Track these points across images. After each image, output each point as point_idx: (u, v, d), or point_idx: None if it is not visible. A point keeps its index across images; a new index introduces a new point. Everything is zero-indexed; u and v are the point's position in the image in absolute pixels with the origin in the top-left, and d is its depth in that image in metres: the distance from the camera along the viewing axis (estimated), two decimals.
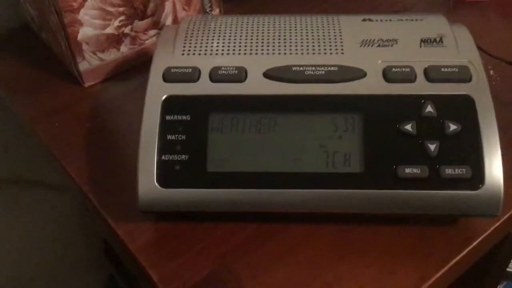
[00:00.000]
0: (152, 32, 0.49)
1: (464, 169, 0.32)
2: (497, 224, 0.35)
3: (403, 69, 0.35)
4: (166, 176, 0.33)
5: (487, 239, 0.35)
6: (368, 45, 0.37)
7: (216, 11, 0.51)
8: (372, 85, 0.35)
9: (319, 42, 0.37)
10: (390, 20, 0.39)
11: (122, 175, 0.39)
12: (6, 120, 0.59)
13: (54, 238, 0.75)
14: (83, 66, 0.47)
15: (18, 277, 0.75)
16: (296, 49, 0.37)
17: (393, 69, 0.35)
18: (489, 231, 0.35)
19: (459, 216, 0.35)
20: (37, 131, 0.45)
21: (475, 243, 0.34)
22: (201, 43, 0.38)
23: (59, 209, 0.73)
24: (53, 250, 0.76)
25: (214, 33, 0.38)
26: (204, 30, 0.39)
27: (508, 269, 0.72)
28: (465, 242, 0.34)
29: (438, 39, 0.37)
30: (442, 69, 0.35)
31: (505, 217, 0.35)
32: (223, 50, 0.37)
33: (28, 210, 0.70)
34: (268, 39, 0.37)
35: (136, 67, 0.49)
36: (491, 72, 0.46)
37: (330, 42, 0.37)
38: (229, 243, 0.35)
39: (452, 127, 0.33)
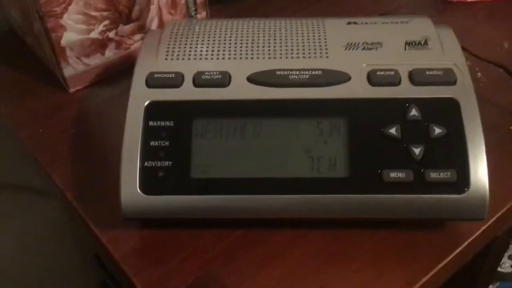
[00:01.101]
0: (138, 36, 0.48)
1: (449, 173, 0.32)
2: (484, 227, 0.35)
3: (388, 73, 0.35)
4: (149, 183, 0.33)
5: (474, 242, 0.35)
6: (353, 49, 0.36)
7: (203, 14, 0.51)
8: (357, 89, 0.34)
9: (303, 46, 0.37)
10: (375, 23, 0.39)
11: (106, 182, 0.39)
12: None
13: (44, 243, 0.74)
14: (67, 71, 0.46)
15: (7, 284, 0.74)
16: (281, 53, 0.37)
17: (378, 73, 0.35)
18: (476, 234, 0.35)
19: (445, 220, 0.35)
20: (21, 137, 0.44)
21: (462, 247, 0.34)
22: (185, 47, 0.37)
23: (49, 215, 0.72)
24: (43, 256, 0.75)
25: (198, 37, 0.38)
26: (188, 35, 0.38)
27: (499, 270, 0.72)
28: (452, 246, 0.34)
29: (423, 42, 0.37)
30: (427, 72, 0.34)
31: (492, 220, 0.35)
32: (207, 54, 0.37)
33: (16, 215, 0.70)
34: (253, 43, 0.37)
35: (122, 72, 0.49)
36: (478, 74, 0.46)
37: (314, 45, 0.37)
38: (214, 249, 0.35)
39: (437, 130, 0.33)
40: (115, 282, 0.81)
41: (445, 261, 0.34)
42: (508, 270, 0.75)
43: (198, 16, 0.46)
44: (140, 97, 0.35)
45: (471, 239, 0.35)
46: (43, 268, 0.76)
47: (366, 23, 0.39)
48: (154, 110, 0.34)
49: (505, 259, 0.74)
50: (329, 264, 0.34)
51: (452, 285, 0.43)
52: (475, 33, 0.52)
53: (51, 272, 0.77)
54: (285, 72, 0.35)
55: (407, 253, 0.34)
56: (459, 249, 0.34)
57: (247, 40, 0.37)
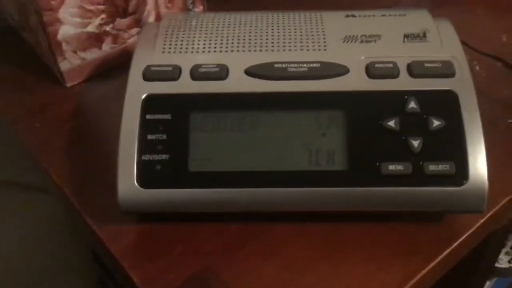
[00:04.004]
0: (135, 30, 0.48)
1: (448, 165, 0.32)
2: (483, 220, 0.35)
3: (386, 65, 0.34)
4: (147, 177, 0.33)
5: (473, 235, 0.35)
6: (351, 41, 0.36)
7: (200, 8, 0.51)
8: (355, 81, 0.34)
9: (301, 39, 0.37)
10: (373, 15, 0.39)
11: (103, 176, 0.39)
12: None
13: (41, 240, 0.74)
14: (64, 65, 0.46)
15: (4, 280, 0.74)
16: (278, 46, 0.36)
17: (376, 65, 0.35)
18: (475, 227, 0.35)
19: (444, 212, 0.35)
20: (17, 132, 0.44)
21: (461, 239, 0.34)
22: (182, 40, 0.37)
23: (44, 211, 0.72)
24: (40, 253, 0.75)
25: (195, 30, 0.38)
26: (185, 28, 0.38)
27: (497, 265, 0.72)
28: (450, 239, 0.34)
29: (421, 34, 0.36)
30: (425, 65, 0.34)
31: (490, 213, 0.35)
32: (204, 47, 0.37)
33: (13, 212, 0.69)
34: (250, 36, 0.37)
35: (119, 66, 0.48)
36: (477, 67, 0.46)
37: (312, 38, 0.37)
38: (212, 243, 0.34)
39: (436, 123, 0.33)
40: (112, 279, 0.81)
41: (444, 254, 0.34)
42: (506, 265, 0.75)
43: (196, 10, 0.46)
44: (137, 90, 0.35)
45: (469, 232, 0.35)
46: (40, 264, 0.76)
47: (364, 16, 0.39)
48: (151, 103, 0.34)
49: (502, 255, 0.74)
50: (328, 257, 0.34)
51: (449, 280, 0.43)
52: (473, 26, 0.51)
53: (48, 269, 0.77)
54: (284, 65, 0.35)
55: (405, 246, 0.34)
56: (458, 242, 0.34)
57: (245, 33, 0.37)
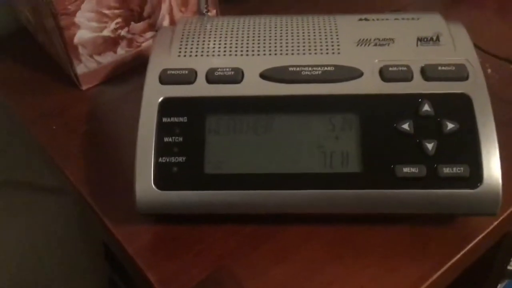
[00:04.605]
0: (149, 34, 0.49)
1: (462, 168, 0.32)
2: (496, 222, 0.35)
3: (400, 68, 0.35)
4: (164, 179, 0.33)
5: (486, 238, 0.35)
6: (365, 45, 0.37)
7: (213, 12, 0.51)
8: (369, 84, 0.35)
9: (315, 42, 0.37)
10: (386, 19, 0.39)
11: (120, 178, 0.39)
12: (1, 122, 0.59)
13: (53, 240, 0.75)
14: (80, 69, 0.46)
15: (17, 280, 0.75)
16: (293, 50, 0.37)
17: (390, 68, 0.35)
18: (488, 230, 0.35)
19: (458, 215, 0.35)
20: (34, 134, 0.44)
21: (474, 242, 0.34)
22: (198, 44, 0.38)
23: (57, 212, 0.72)
24: (51, 253, 0.76)
25: (210, 34, 0.38)
26: (200, 31, 0.39)
27: (509, 267, 0.72)
28: (464, 241, 0.34)
29: (434, 38, 0.37)
30: (439, 68, 0.34)
31: (504, 215, 0.35)
32: (219, 51, 0.37)
33: (25, 213, 0.70)
34: (265, 39, 0.37)
35: (134, 69, 0.49)
36: (489, 70, 0.46)
37: (326, 42, 0.37)
38: (227, 244, 0.35)
39: (450, 125, 0.33)
40: (122, 279, 0.81)
41: (457, 257, 0.34)
42: None
43: (209, 14, 0.47)
44: (153, 93, 0.35)
45: (483, 234, 0.35)
46: (52, 265, 0.77)
47: (378, 19, 0.39)
48: (167, 107, 0.35)
49: None
50: (341, 259, 0.34)
51: (462, 283, 0.43)
52: (484, 28, 0.51)
53: (60, 269, 0.78)
54: (298, 68, 0.35)
55: (419, 249, 0.34)
56: (471, 244, 0.34)
57: (259, 36, 0.38)
